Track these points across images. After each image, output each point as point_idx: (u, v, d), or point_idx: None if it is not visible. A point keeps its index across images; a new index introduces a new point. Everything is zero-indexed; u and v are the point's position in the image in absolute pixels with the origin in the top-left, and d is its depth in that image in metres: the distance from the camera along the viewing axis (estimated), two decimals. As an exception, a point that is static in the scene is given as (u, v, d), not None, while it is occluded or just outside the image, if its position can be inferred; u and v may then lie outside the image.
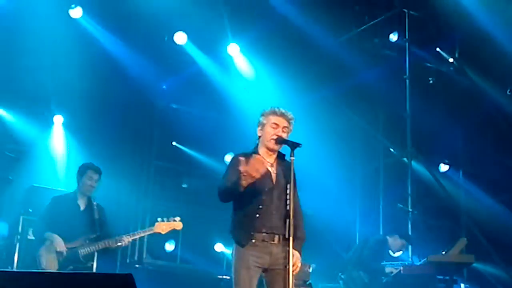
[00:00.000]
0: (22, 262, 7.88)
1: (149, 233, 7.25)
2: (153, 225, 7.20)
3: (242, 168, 5.04)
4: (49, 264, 6.96)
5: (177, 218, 7.17)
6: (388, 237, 9.13)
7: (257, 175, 5.09)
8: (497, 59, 10.04)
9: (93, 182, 7.44)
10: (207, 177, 11.25)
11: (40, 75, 10.33)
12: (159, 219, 7.16)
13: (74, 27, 9.92)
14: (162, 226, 7.13)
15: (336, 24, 10.25)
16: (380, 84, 10.52)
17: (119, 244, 7.15)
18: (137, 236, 7.29)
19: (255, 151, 5.58)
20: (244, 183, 5.09)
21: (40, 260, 7.01)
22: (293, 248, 5.28)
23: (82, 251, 7.05)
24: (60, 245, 7.00)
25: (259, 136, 5.56)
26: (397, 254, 9.12)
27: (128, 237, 7.19)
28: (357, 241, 10.65)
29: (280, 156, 5.56)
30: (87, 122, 10.90)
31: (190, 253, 10.96)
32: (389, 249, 9.11)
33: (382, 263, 8.94)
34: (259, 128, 5.57)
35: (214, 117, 11.09)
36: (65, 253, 7.01)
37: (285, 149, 5.50)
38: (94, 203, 7.46)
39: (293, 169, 5.36)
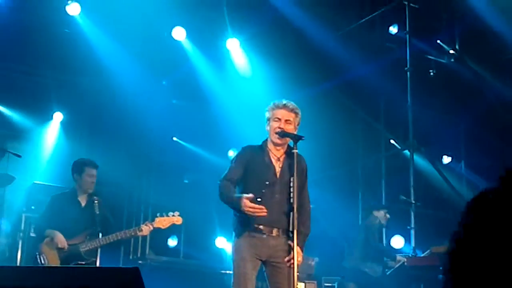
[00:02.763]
0: (25, 259, 7.88)
1: (149, 229, 7.21)
2: (153, 220, 7.20)
3: (246, 207, 5.16)
4: (51, 261, 6.95)
5: (177, 213, 7.16)
6: (375, 213, 9.17)
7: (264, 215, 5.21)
8: (498, 50, 10.04)
9: (93, 178, 7.39)
10: (209, 172, 11.24)
11: (41, 73, 10.37)
12: (158, 214, 7.16)
13: (72, 23, 9.90)
14: (162, 222, 7.11)
15: (336, 18, 10.24)
16: (381, 76, 10.51)
17: (120, 239, 7.12)
18: (139, 233, 7.23)
19: (264, 145, 5.63)
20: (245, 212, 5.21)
21: (41, 258, 7.00)
22: (292, 242, 5.32)
23: (84, 247, 7.00)
24: (62, 241, 6.97)
25: (268, 131, 5.63)
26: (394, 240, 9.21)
27: (131, 233, 7.17)
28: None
29: (290, 152, 5.57)
30: (87, 119, 10.92)
31: (193, 249, 10.96)
32: (380, 224, 9.19)
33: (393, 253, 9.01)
34: (266, 123, 5.62)
35: (215, 113, 11.06)
36: (66, 249, 6.97)
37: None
38: (95, 198, 7.43)
39: (297, 161, 5.40)
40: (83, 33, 9.96)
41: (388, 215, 9.24)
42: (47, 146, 10.36)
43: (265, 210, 5.20)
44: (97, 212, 7.23)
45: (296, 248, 5.31)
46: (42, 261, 6.98)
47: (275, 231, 5.40)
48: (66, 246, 6.99)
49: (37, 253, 7.05)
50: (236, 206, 5.29)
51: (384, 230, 9.99)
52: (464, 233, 1.44)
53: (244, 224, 5.37)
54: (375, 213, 9.22)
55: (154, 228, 7.15)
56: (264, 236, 5.39)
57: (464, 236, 1.43)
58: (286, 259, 5.32)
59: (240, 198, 5.24)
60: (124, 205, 10.96)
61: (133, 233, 7.17)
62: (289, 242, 5.35)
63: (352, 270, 8.91)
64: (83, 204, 7.39)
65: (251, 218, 5.35)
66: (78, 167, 7.41)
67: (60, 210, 7.23)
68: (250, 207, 5.17)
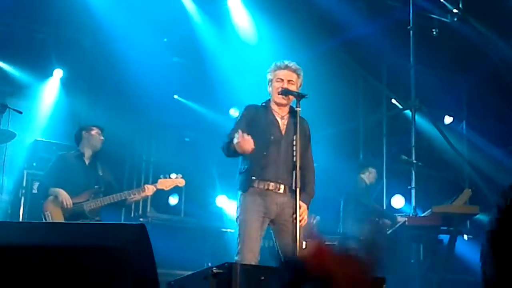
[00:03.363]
0: (28, 216, 7.91)
1: (153, 189, 7.24)
2: (156, 181, 7.24)
3: (237, 139, 5.18)
4: (56, 219, 7.00)
5: (179, 175, 7.23)
6: (361, 176, 9.18)
7: (250, 149, 5.19)
8: (502, 10, 9.94)
9: (101, 136, 7.51)
10: (210, 130, 11.23)
11: (41, 29, 10.30)
12: (161, 176, 7.19)
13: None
14: (165, 183, 7.18)
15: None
16: (384, 35, 10.42)
17: (124, 198, 7.19)
18: (142, 194, 7.24)
19: (267, 104, 5.63)
20: (239, 150, 5.21)
21: (46, 215, 7.04)
22: (300, 200, 5.32)
23: (88, 206, 7.07)
24: (67, 199, 7.03)
25: (270, 93, 5.63)
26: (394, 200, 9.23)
27: (134, 193, 7.20)
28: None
29: (293, 111, 5.57)
30: (87, 77, 10.87)
31: (194, 207, 11.00)
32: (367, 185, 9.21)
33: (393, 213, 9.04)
34: (268, 85, 5.62)
35: (217, 71, 10.99)
36: (71, 208, 7.02)
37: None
38: (99, 159, 7.51)
39: (300, 119, 5.40)
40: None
41: (374, 173, 9.21)
42: (48, 103, 10.31)
43: (252, 144, 5.20)
44: (101, 174, 7.30)
45: (302, 205, 5.33)
46: (48, 219, 7.02)
47: (282, 188, 5.42)
48: (70, 204, 7.03)
49: (42, 211, 7.09)
50: (233, 146, 5.27)
51: (383, 189, 9.98)
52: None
53: (251, 181, 5.38)
54: (361, 175, 9.20)
55: (157, 189, 7.20)
56: (272, 193, 5.40)
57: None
58: (293, 216, 5.32)
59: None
60: (125, 164, 10.99)
61: (136, 193, 7.21)
62: (295, 200, 5.37)
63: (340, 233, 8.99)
64: (87, 163, 7.43)
65: (255, 174, 5.36)
66: (86, 127, 7.55)
67: (65, 168, 7.29)
68: (240, 136, 5.16)
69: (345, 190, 9.55)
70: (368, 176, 9.23)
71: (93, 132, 7.48)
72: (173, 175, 7.24)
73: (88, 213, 7.07)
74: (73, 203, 7.05)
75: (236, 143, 5.18)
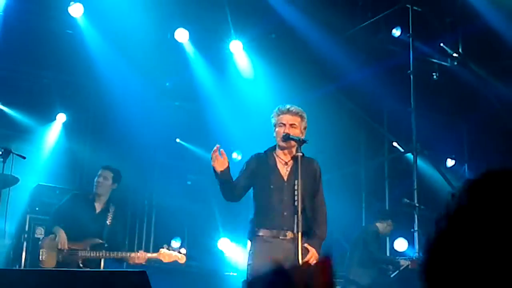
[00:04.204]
0: (30, 261, 7.87)
1: (151, 257, 7.07)
2: (158, 251, 7.11)
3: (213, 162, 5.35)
4: (48, 258, 6.88)
5: (183, 250, 7.09)
6: (377, 224, 9.18)
7: (220, 168, 5.35)
8: (501, 53, 10.04)
9: (101, 178, 7.35)
10: (212, 174, 11.23)
11: (44, 74, 10.40)
12: (165, 246, 7.08)
13: (75, 25, 9.93)
14: (165, 255, 7.00)
15: (339, 21, 10.24)
16: (384, 79, 10.52)
17: (121, 257, 7.04)
18: (140, 259, 7.03)
19: (271, 150, 5.70)
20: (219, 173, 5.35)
21: (41, 252, 6.96)
22: (309, 244, 5.34)
23: (83, 255, 6.90)
24: (63, 242, 6.90)
25: (275, 138, 5.70)
26: (397, 243, 9.19)
27: (132, 256, 7.02)
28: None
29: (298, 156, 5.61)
30: (91, 121, 10.94)
31: (196, 250, 10.96)
32: (380, 234, 9.21)
33: (396, 257, 9.02)
34: (273, 129, 5.68)
35: (219, 115, 11.07)
36: (65, 252, 6.89)
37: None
38: (112, 207, 7.37)
39: (301, 164, 5.44)
40: (86, 34, 9.98)
41: (391, 226, 9.21)
42: (50, 147, 10.37)
43: (224, 164, 5.30)
44: (108, 224, 7.17)
45: (311, 250, 5.34)
46: (41, 257, 6.94)
47: (289, 234, 5.43)
48: (65, 248, 6.91)
49: (39, 247, 7.03)
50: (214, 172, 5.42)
51: (387, 239, 9.96)
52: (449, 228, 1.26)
53: (256, 230, 5.42)
54: (378, 224, 9.21)
55: (155, 258, 7.00)
56: (277, 239, 5.43)
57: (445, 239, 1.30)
58: (305, 259, 5.32)
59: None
60: (127, 208, 10.93)
61: (135, 257, 6.99)
62: (305, 244, 5.38)
63: (342, 276, 8.95)
64: (98, 210, 7.32)
65: (259, 223, 5.40)
66: (100, 170, 7.43)
67: (74, 210, 7.19)
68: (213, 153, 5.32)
69: (352, 234, 9.54)
70: (385, 227, 9.21)
71: (98, 179, 7.35)
72: (176, 249, 7.05)
73: (81, 262, 6.88)
74: (69, 248, 6.91)
75: (212, 160, 5.28)
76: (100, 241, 7.09)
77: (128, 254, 6.99)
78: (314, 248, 5.40)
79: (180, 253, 6.99)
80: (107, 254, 6.94)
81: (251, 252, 5.49)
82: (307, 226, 5.41)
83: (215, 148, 5.30)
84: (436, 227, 1.26)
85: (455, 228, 1.23)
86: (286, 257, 5.40)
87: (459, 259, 1.20)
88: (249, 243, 5.56)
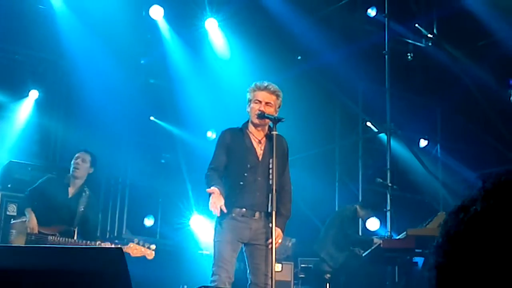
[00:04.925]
0: (2, 237, 7.81)
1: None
2: (127, 244, 6.79)
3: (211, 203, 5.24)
4: (17, 241, 6.74)
5: (152, 246, 6.79)
6: (357, 206, 9.23)
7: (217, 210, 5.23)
8: (475, 35, 10.10)
9: (77, 159, 7.19)
10: (186, 152, 11.24)
11: (17, 51, 10.28)
12: (135, 240, 6.80)
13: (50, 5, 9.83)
14: (134, 250, 6.71)
15: (315, 0, 10.25)
16: (359, 59, 10.54)
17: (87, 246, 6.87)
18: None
19: (245, 127, 5.66)
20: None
21: (11, 233, 6.90)
22: (276, 224, 5.36)
23: (51, 240, 6.74)
24: (32, 227, 6.78)
25: (248, 113, 5.65)
26: (369, 222, 9.24)
27: (102, 245, 6.85)
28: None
29: (270, 134, 5.59)
30: (64, 98, 10.83)
31: (169, 228, 10.97)
32: (358, 218, 9.27)
33: (370, 235, 9.08)
34: (247, 105, 5.64)
35: (193, 93, 11.03)
36: (33, 236, 6.77)
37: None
38: (86, 191, 7.25)
39: (275, 143, 5.45)
40: (59, 10, 9.87)
41: (369, 215, 9.25)
42: (22, 124, 10.27)
43: (218, 209, 5.23)
44: (81, 209, 7.08)
45: (277, 230, 5.36)
46: (11, 238, 6.88)
47: (257, 214, 5.45)
48: (35, 232, 6.79)
49: (9, 228, 6.96)
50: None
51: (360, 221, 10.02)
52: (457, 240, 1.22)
53: (227, 207, 5.39)
54: (357, 206, 9.24)
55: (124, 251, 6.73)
56: (247, 219, 5.43)
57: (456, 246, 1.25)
58: (268, 241, 5.37)
59: (210, 189, 5.29)
60: (101, 186, 10.85)
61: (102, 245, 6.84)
62: (270, 224, 5.40)
63: (315, 255, 9.01)
64: (70, 194, 7.19)
65: (232, 201, 5.40)
66: (77, 153, 7.28)
67: (47, 194, 7.05)
68: (211, 202, 5.24)
69: (324, 212, 9.58)
70: (365, 213, 9.23)
71: (76, 161, 7.19)
72: (146, 244, 6.85)
73: None
74: (39, 231, 6.79)
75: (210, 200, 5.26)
76: (71, 227, 7.00)
77: (97, 243, 6.85)
78: (279, 227, 5.42)
79: (150, 248, 6.82)
80: (76, 242, 6.78)
81: (218, 229, 5.47)
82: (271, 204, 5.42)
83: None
84: (451, 232, 1.23)
85: (471, 233, 1.20)
86: (252, 236, 5.44)
87: (474, 268, 1.19)
88: (217, 219, 5.51)
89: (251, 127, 5.66)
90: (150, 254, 6.80)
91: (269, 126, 5.65)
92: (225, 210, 5.24)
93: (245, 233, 5.44)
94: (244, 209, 5.43)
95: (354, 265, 8.76)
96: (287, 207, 5.59)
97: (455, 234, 1.22)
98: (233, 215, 5.43)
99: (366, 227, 9.87)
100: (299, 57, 11.01)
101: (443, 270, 1.22)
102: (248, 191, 5.44)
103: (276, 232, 5.37)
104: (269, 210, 5.37)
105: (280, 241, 5.48)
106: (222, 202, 5.24)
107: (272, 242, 5.32)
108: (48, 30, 9.85)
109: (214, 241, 5.51)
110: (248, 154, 5.54)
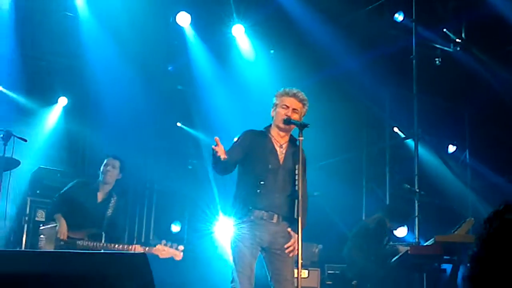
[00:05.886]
0: (30, 243, 7.89)
1: (147, 251, 6.87)
2: (155, 245, 6.86)
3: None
4: (46, 247, 6.83)
5: (181, 247, 6.81)
6: (385, 219, 9.13)
7: (224, 156, 5.20)
8: (504, 39, 10.00)
9: (108, 167, 7.31)
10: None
11: (46, 58, 10.38)
12: (163, 241, 6.83)
13: (74, 7, 9.91)
14: (162, 251, 6.76)
15: (342, 5, 10.21)
16: (387, 64, 10.48)
17: (117, 250, 6.90)
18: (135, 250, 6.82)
19: (267, 130, 5.65)
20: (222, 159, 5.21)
21: (40, 239, 6.96)
22: (292, 230, 5.36)
23: (80, 245, 6.85)
24: (63, 232, 6.87)
25: (273, 117, 5.64)
26: (399, 231, 9.15)
27: (129, 248, 6.81)
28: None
29: (292, 140, 5.60)
30: (92, 105, 10.92)
31: (196, 234, 10.99)
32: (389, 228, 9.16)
33: (392, 244, 8.98)
34: (273, 109, 5.65)
35: (220, 99, 11.05)
36: (63, 242, 6.86)
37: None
38: (114, 197, 7.32)
39: (301, 149, 5.41)
40: (88, 17, 9.95)
41: (399, 225, 9.15)
42: (51, 130, 10.37)
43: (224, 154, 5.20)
44: (109, 213, 7.14)
45: (294, 236, 5.34)
46: (40, 244, 6.94)
47: (275, 217, 5.42)
48: (64, 238, 6.87)
49: (39, 234, 7.02)
50: (214, 156, 5.28)
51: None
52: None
53: (245, 209, 5.38)
54: (387, 220, 9.15)
55: (151, 253, 6.65)
56: (265, 222, 5.41)
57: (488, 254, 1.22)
58: (287, 245, 5.36)
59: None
60: (128, 192, 10.91)
61: (131, 249, 6.76)
62: (288, 229, 5.39)
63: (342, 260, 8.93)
64: (99, 199, 7.29)
65: (251, 202, 5.38)
66: (105, 159, 7.36)
67: (76, 199, 7.14)
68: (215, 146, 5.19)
69: (352, 219, 9.51)
70: (392, 225, 9.14)
71: (102, 166, 7.29)
72: (174, 245, 6.79)
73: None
74: (68, 237, 6.87)
75: (217, 153, 5.22)
76: (99, 231, 7.07)
77: (125, 247, 6.89)
78: (296, 234, 5.39)
79: (177, 249, 6.82)
80: (105, 245, 6.87)
81: (237, 233, 5.43)
82: (291, 211, 5.40)
83: (216, 142, 5.23)
84: (484, 238, 1.22)
85: (506, 240, 1.18)
86: (271, 240, 5.42)
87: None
88: (235, 222, 5.47)
89: (274, 131, 5.65)
90: (178, 255, 6.83)
91: (291, 134, 5.65)
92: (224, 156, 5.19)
93: (264, 236, 5.42)
94: (263, 212, 5.40)
95: (381, 272, 8.69)
96: (303, 214, 5.57)
97: (489, 241, 1.21)
98: (252, 217, 5.41)
99: (394, 234, 9.80)
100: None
101: (477, 279, 1.20)
102: (267, 192, 5.41)
103: (294, 238, 5.37)
104: (294, 216, 5.35)
105: (296, 246, 5.43)
106: (224, 155, 5.20)
107: (296, 248, 5.30)
108: (76, 37, 9.93)
109: (233, 247, 5.46)
110: (269, 156, 5.54)
